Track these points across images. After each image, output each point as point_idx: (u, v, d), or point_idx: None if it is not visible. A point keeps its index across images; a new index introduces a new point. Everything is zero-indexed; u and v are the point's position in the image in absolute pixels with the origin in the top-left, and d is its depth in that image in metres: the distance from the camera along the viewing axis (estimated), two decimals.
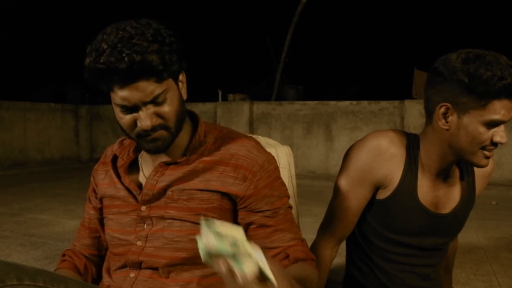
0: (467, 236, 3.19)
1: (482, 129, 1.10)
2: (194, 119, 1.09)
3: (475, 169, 1.29)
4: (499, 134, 1.11)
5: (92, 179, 1.16)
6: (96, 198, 1.13)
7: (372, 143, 1.22)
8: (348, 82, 14.13)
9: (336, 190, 1.28)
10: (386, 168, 1.21)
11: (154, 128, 0.93)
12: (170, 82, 0.93)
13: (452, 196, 1.26)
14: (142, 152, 1.10)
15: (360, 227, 1.31)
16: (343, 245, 1.40)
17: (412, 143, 1.23)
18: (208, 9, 11.84)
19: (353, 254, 1.38)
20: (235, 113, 7.12)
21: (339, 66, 14.03)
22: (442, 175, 1.24)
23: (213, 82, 10.19)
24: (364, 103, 6.56)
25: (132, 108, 0.91)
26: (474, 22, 11.11)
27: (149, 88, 0.88)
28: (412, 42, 12.41)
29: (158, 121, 0.93)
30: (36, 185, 5.81)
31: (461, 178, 1.28)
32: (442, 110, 1.11)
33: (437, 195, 1.24)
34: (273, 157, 1.06)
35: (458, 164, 1.27)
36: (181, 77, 0.99)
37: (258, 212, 1.00)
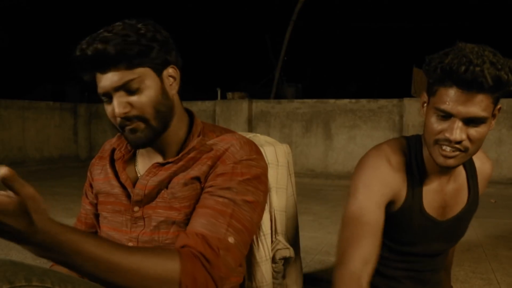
0: (466, 234, 3.18)
1: (433, 119, 1.04)
2: (190, 118, 1.08)
3: (478, 170, 1.26)
4: (448, 129, 1.01)
5: (89, 174, 1.15)
6: (92, 193, 1.12)
7: (372, 172, 1.14)
8: (347, 81, 14.13)
9: (349, 217, 1.14)
10: (391, 189, 1.14)
11: (128, 118, 0.93)
12: (146, 71, 0.94)
13: (459, 199, 1.23)
14: None
15: None
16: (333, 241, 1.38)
17: (414, 149, 1.18)
18: (207, 7, 11.83)
19: None
20: (234, 111, 7.12)
21: (338, 65, 14.02)
22: (448, 176, 1.19)
23: (212, 80, 10.19)
24: (363, 101, 6.56)
25: (109, 96, 0.94)
26: (473, 20, 11.11)
27: (118, 74, 0.91)
28: (411, 41, 12.41)
29: (133, 111, 0.93)
30: (34, 184, 5.70)
31: (467, 180, 1.24)
32: (422, 98, 1.11)
33: (444, 198, 1.20)
34: (258, 158, 1.00)
35: (464, 166, 1.23)
36: (171, 71, 0.99)
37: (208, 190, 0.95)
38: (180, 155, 1.00)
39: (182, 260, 0.79)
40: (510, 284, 2.31)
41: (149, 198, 0.99)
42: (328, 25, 12.33)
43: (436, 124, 1.03)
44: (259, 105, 7.14)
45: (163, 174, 0.99)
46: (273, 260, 1.24)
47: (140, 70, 0.92)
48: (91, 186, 1.13)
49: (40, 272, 0.68)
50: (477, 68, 0.94)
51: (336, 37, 13.04)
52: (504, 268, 2.55)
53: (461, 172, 1.23)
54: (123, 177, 1.03)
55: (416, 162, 1.16)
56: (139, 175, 1.04)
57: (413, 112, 6.14)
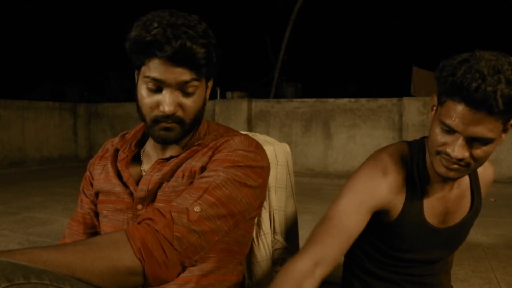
0: None
1: (437, 130, 1.00)
2: None
3: (480, 176, 1.24)
4: (451, 144, 0.96)
5: (88, 173, 1.14)
6: (92, 192, 1.12)
7: (363, 181, 1.13)
8: (347, 80, 14.13)
9: (326, 216, 1.13)
10: (381, 200, 1.12)
11: (172, 117, 0.95)
12: (203, 80, 0.98)
13: (462, 206, 1.20)
14: (145, 147, 1.10)
15: (362, 246, 1.28)
16: None
17: (416, 156, 1.15)
18: (206, 7, 11.83)
19: (352, 266, 1.34)
20: (233, 111, 7.12)
21: (338, 64, 14.02)
22: (452, 183, 1.16)
23: None
24: (363, 100, 6.56)
25: (160, 88, 0.93)
26: (472, 19, 11.11)
27: (186, 74, 0.92)
28: (411, 40, 12.42)
29: (179, 112, 0.95)
30: (34, 184, 5.80)
31: (471, 187, 1.22)
32: (432, 101, 1.06)
33: (446, 206, 1.18)
34: (256, 153, 1.02)
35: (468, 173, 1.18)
36: (209, 82, 1.04)
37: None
38: (183, 150, 1.02)
39: (128, 230, 0.80)
40: (509, 283, 2.31)
41: (153, 194, 1.00)
42: (328, 25, 12.32)
43: (440, 136, 0.99)
44: (258, 105, 7.14)
45: (166, 168, 1.00)
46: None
47: (202, 78, 0.97)
48: (91, 184, 1.12)
49: (38, 270, 0.69)
50: (489, 88, 0.86)
51: (335, 36, 13.04)
52: (503, 267, 2.56)
53: (464, 178, 1.20)
54: (125, 175, 1.03)
55: (417, 170, 1.14)
56: (144, 171, 1.05)
57: (412, 111, 6.14)
